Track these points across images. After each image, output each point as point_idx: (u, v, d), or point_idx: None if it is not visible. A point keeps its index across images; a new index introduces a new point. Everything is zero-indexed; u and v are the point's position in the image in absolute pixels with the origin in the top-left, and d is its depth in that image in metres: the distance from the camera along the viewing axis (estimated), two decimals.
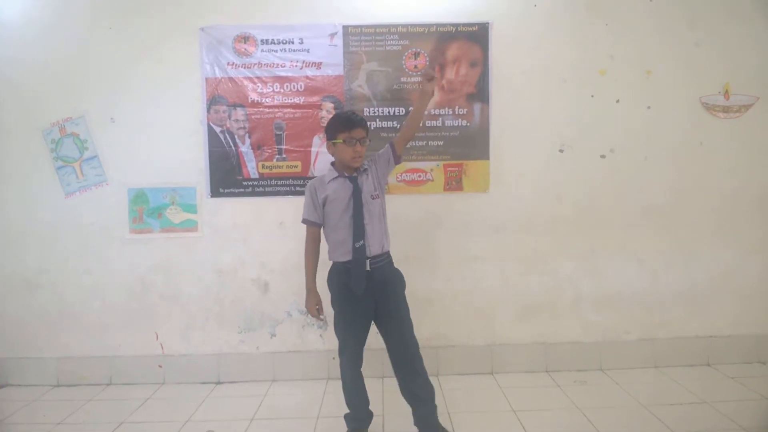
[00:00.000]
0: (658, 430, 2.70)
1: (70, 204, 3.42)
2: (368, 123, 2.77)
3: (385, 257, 2.63)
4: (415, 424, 2.62)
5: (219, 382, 3.45)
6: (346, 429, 2.67)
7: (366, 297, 2.55)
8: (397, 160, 2.73)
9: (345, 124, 2.58)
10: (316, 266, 2.69)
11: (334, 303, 2.64)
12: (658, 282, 3.50)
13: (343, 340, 2.63)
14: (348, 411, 2.68)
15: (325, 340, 3.46)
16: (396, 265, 2.69)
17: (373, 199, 2.60)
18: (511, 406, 3.00)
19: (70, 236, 3.42)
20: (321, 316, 2.68)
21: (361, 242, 2.54)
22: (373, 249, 2.56)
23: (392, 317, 2.59)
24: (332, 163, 2.69)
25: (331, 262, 2.66)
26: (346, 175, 2.61)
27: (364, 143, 2.59)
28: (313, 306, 2.65)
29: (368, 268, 2.55)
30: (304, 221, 2.68)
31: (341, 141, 2.55)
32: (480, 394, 3.14)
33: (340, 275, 2.60)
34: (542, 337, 3.49)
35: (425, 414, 2.60)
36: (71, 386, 3.42)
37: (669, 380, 3.29)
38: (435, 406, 2.62)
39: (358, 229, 2.55)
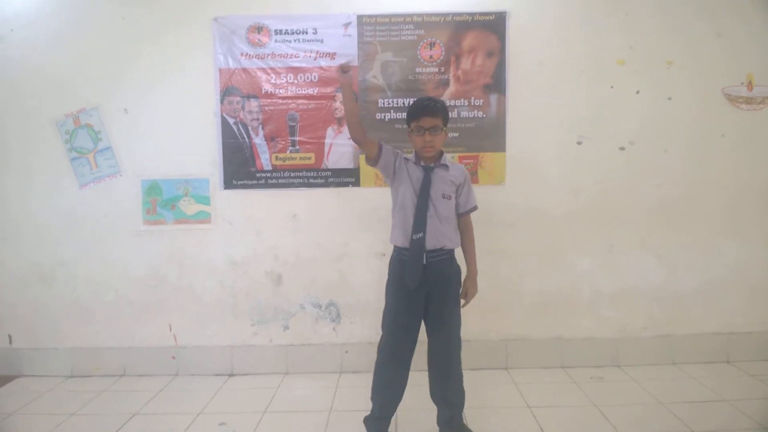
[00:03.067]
0: (675, 428, 2.65)
1: (84, 195, 3.42)
2: (444, 109, 2.53)
3: (445, 253, 2.49)
4: (438, 424, 2.58)
5: (232, 375, 3.44)
6: (364, 428, 2.57)
7: (418, 291, 2.45)
8: (457, 210, 2.58)
9: (413, 112, 2.50)
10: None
11: (389, 291, 2.54)
12: (677, 277, 3.44)
13: (388, 333, 2.51)
14: (369, 413, 2.58)
15: (338, 333, 3.44)
16: None
17: (443, 197, 2.49)
18: (526, 402, 2.96)
19: (85, 228, 3.43)
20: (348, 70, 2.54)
21: (420, 234, 2.44)
22: (432, 243, 2.44)
23: (437, 317, 2.49)
24: (416, 150, 2.58)
25: (392, 247, 2.57)
26: (422, 164, 2.52)
27: (436, 132, 2.45)
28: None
29: (425, 261, 2.45)
30: (377, 143, 2.55)
31: (412, 130, 2.49)
32: (494, 390, 3.10)
33: (396, 267, 2.52)
34: (558, 332, 3.44)
35: (450, 417, 2.54)
36: (85, 377, 3.43)
37: (687, 377, 3.23)
38: (462, 410, 2.57)
39: (420, 221, 2.44)
